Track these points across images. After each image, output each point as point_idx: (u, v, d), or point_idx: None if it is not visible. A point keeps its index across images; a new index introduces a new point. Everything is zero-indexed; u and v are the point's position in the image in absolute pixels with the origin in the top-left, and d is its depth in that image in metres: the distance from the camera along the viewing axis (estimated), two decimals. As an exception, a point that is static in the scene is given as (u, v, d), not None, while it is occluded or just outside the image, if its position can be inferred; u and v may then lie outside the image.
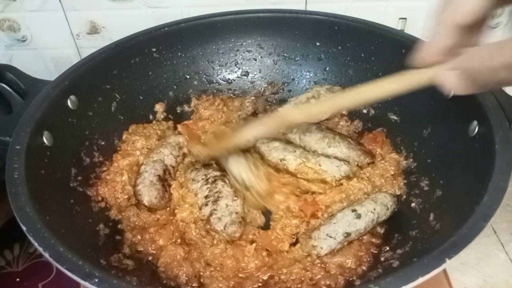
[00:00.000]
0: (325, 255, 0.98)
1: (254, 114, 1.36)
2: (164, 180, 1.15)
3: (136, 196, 1.11)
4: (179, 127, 1.34)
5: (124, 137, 1.27)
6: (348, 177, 1.14)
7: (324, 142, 1.21)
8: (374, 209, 1.02)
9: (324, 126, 1.30)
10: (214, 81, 1.46)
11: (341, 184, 1.13)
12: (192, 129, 1.34)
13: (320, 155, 1.19)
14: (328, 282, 0.94)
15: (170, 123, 1.36)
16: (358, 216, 1.00)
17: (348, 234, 0.99)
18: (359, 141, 1.27)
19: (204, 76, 1.44)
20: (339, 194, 1.12)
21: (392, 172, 1.16)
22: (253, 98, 1.41)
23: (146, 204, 1.09)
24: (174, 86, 1.40)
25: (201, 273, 0.97)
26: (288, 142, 1.25)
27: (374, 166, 1.18)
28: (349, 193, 1.12)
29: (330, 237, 0.98)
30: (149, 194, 1.10)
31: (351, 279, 0.95)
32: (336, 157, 1.18)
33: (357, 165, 1.18)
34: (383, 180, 1.15)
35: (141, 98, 1.33)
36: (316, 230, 1.01)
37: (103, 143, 1.20)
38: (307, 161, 1.15)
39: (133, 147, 1.24)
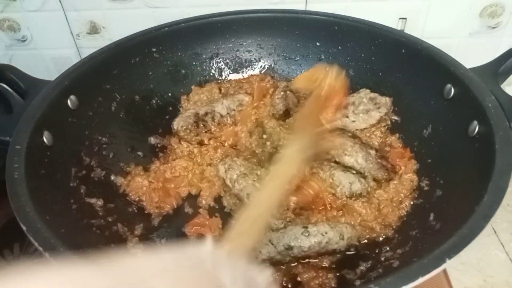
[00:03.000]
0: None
1: (286, 112, 1.26)
2: (201, 120, 1.25)
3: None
4: (256, 85, 1.34)
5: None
6: (360, 195, 1.08)
7: (341, 149, 1.14)
8: (326, 233, 0.95)
9: (351, 133, 1.21)
10: (214, 81, 1.45)
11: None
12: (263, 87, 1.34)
13: (337, 167, 1.12)
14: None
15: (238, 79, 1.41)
16: (306, 234, 0.95)
17: (290, 248, 0.94)
18: (385, 155, 1.17)
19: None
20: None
21: (403, 196, 1.07)
22: (282, 93, 1.28)
23: (174, 128, 1.23)
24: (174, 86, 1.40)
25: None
26: None
27: (387, 187, 1.09)
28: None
29: (272, 244, 0.95)
30: (179, 123, 1.23)
31: (349, 277, 0.95)
32: (353, 168, 1.12)
33: (374, 179, 1.11)
34: (390, 209, 1.05)
35: (141, 98, 1.33)
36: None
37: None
38: (322, 171, 1.10)
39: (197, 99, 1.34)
